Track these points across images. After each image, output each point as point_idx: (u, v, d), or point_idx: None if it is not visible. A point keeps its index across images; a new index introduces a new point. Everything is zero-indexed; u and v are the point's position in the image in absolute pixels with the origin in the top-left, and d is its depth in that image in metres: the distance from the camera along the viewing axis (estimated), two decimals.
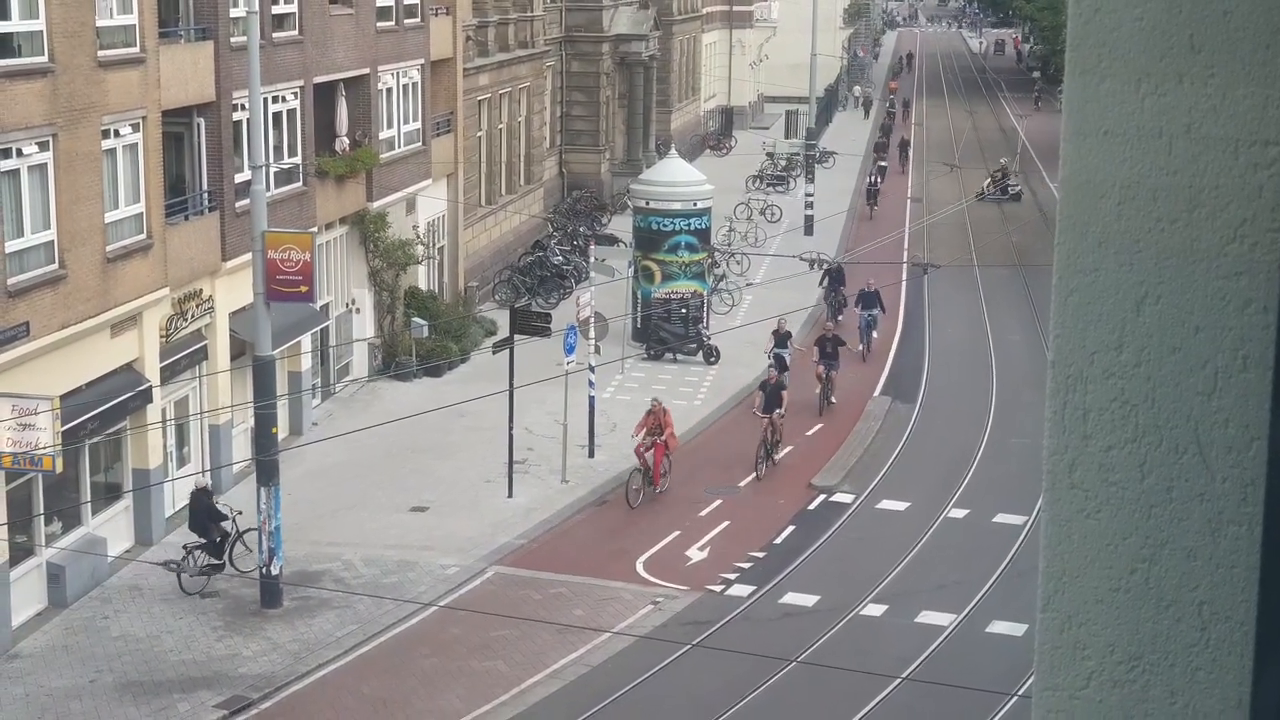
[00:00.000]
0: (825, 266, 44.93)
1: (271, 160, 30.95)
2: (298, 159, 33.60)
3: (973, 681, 21.97)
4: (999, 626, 25.36)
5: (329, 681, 23.46)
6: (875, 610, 26.14)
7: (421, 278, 41.24)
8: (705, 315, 42.91)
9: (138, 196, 27.26)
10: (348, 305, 37.61)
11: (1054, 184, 58.62)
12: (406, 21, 39.24)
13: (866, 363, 41.10)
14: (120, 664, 23.56)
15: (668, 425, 30.97)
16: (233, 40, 29.92)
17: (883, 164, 71.19)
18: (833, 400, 37.19)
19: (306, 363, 34.49)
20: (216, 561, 26.43)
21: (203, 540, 26.35)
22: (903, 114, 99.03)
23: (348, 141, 36.29)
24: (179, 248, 28.58)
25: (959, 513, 30.64)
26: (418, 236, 40.10)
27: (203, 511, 26.42)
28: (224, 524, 26.47)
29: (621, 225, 51.63)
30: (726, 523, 30.07)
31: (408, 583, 26.69)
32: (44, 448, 23.12)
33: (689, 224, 42.31)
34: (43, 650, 24.03)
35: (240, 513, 26.86)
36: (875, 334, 42.38)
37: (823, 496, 31.51)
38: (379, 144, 37.58)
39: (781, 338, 37.28)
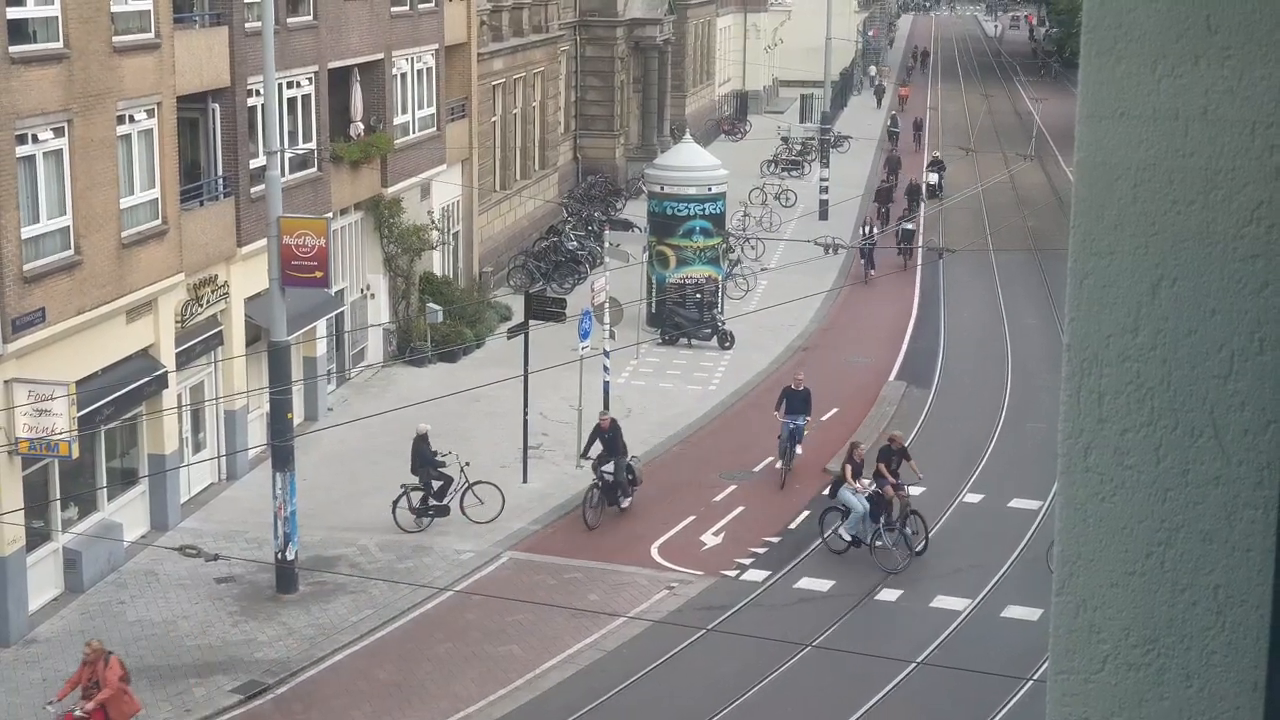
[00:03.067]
0: (597, 424, 29.75)
1: (286, 146, 30.96)
2: (312, 144, 33.62)
3: (988, 666, 21.97)
4: (1014, 611, 25.34)
5: (344, 666, 23.52)
6: (890, 595, 26.13)
7: (436, 263, 41.25)
8: (720, 300, 42.89)
9: (153, 182, 27.29)
10: (363, 291, 37.64)
11: (1069, 166, 58.38)
12: (421, 6, 39.21)
13: (784, 489, 30.79)
14: (136, 649, 23.63)
15: (109, 682, 20.19)
16: (247, 25, 29.92)
17: (910, 227, 52.93)
18: (917, 549, 27.20)
19: (322, 348, 34.55)
20: (439, 503, 28.29)
21: (419, 483, 28.27)
22: (914, 137, 78.75)
23: (362, 127, 36.29)
24: (194, 233, 28.62)
25: (974, 497, 30.61)
26: (432, 222, 40.12)
27: (418, 456, 28.21)
28: (442, 470, 28.30)
29: (636, 210, 51.60)
30: (741, 508, 30.07)
31: (423, 568, 26.74)
32: (60, 433, 23.19)
33: (704, 209, 42.28)
34: (59, 635, 24.12)
35: (468, 463, 28.67)
36: (800, 449, 31.65)
37: None
38: (393, 129, 37.58)
39: (858, 466, 27.69)
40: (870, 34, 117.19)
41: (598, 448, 29.32)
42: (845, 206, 57.13)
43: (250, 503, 29.22)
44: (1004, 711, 22.00)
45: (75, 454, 23.92)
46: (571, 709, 22.02)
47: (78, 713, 20.15)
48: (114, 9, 25.66)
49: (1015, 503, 30.03)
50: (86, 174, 24.88)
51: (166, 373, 27.49)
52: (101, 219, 25.35)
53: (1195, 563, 2.22)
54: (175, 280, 27.91)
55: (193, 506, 29.26)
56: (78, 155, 24.63)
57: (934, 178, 62.65)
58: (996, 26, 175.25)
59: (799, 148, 70.19)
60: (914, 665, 22.87)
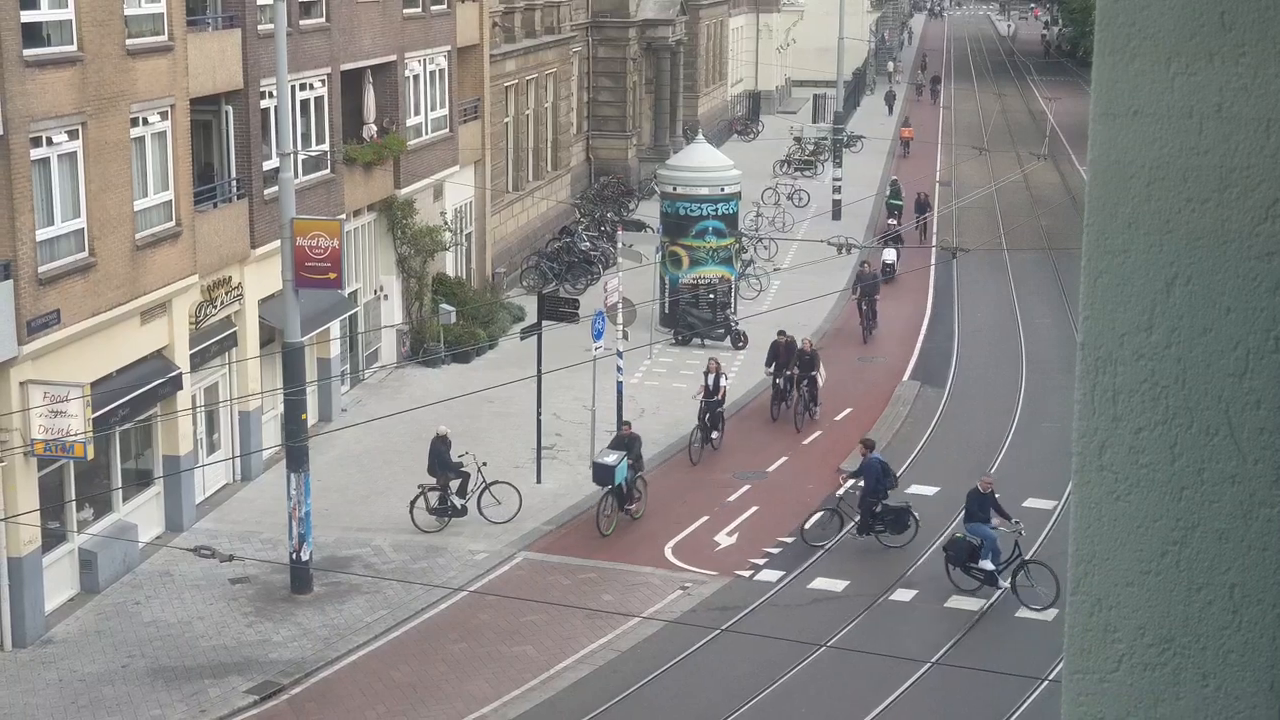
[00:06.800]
0: None
1: (299, 147, 31.00)
2: (325, 146, 33.65)
3: (1003, 666, 21.93)
4: (1029, 610, 25.28)
5: (359, 666, 23.55)
6: (904, 595, 26.09)
7: (449, 264, 41.28)
8: (733, 300, 42.88)
9: (166, 184, 27.34)
10: (376, 292, 37.68)
11: (1083, 165, 57.36)
12: (433, 8, 39.24)
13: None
14: (152, 649, 23.69)
15: None
16: (260, 28, 29.96)
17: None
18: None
19: (335, 349, 34.59)
20: (461, 501, 28.50)
21: (436, 484, 28.44)
22: (916, 223, 54.57)
23: (375, 128, 36.33)
24: (208, 235, 28.67)
25: None
26: (445, 223, 40.14)
27: (435, 457, 28.40)
28: (461, 470, 28.47)
29: (649, 211, 51.58)
30: (755, 508, 30.05)
31: (437, 568, 26.76)
32: (75, 434, 23.24)
33: (716, 209, 42.27)
34: (75, 636, 24.17)
35: (485, 464, 28.92)
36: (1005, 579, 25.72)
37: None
38: (406, 131, 37.61)
39: None
40: (885, 37, 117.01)
41: None
42: (858, 206, 57.09)
43: (265, 503, 29.26)
44: (1019, 712, 21.95)
45: (90, 455, 23.97)
46: (586, 709, 22.02)
47: None
48: (127, 12, 25.70)
49: (1030, 502, 29.95)
50: (100, 176, 24.93)
51: (181, 374, 27.54)
52: (115, 221, 25.40)
53: (1211, 561, 2.22)
54: (189, 282, 27.96)
55: (207, 507, 29.31)
56: (92, 158, 24.68)
57: (891, 255, 49.46)
58: (1009, 26, 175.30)
59: (812, 148, 70.15)
60: (929, 665, 22.84)
